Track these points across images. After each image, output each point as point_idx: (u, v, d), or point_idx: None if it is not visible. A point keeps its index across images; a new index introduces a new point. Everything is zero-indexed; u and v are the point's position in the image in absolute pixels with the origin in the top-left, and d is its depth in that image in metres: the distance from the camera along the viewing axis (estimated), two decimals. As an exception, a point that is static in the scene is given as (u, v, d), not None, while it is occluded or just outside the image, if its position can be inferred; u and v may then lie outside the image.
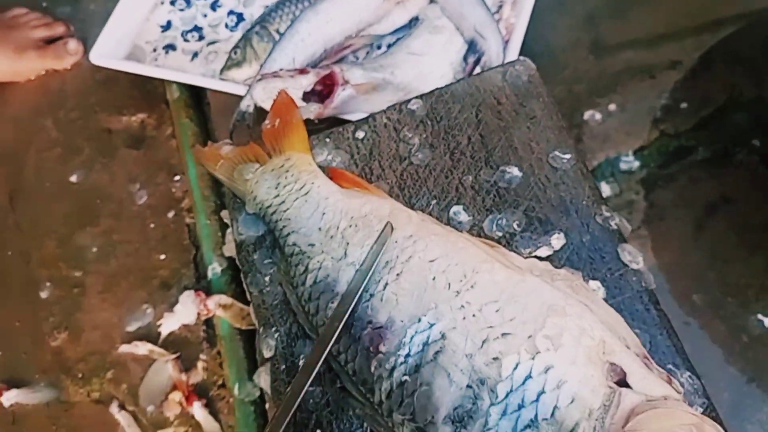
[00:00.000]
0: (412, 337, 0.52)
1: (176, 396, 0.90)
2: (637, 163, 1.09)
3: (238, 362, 0.90)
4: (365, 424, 0.56)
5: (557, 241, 0.60)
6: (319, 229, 0.60)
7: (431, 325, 0.52)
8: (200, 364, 0.92)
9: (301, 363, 0.60)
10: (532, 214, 0.62)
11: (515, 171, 0.64)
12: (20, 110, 1.16)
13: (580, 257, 0.60)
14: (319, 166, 0.66)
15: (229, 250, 0.93)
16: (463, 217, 0.63)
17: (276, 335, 0.61)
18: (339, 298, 0.57)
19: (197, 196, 1.00)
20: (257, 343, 0.89)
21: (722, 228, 1.03)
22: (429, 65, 0.93)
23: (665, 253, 1.02)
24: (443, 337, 0.51)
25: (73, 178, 1.07)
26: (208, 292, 0.94)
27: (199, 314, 0.94)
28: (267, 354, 0.61)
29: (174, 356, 0.93)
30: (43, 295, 1.00)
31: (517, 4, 0.97)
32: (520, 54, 0.91)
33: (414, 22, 1.01)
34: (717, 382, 0.88)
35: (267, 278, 0.64)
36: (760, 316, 0.96)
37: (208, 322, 0.95)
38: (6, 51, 1.12)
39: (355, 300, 0.53)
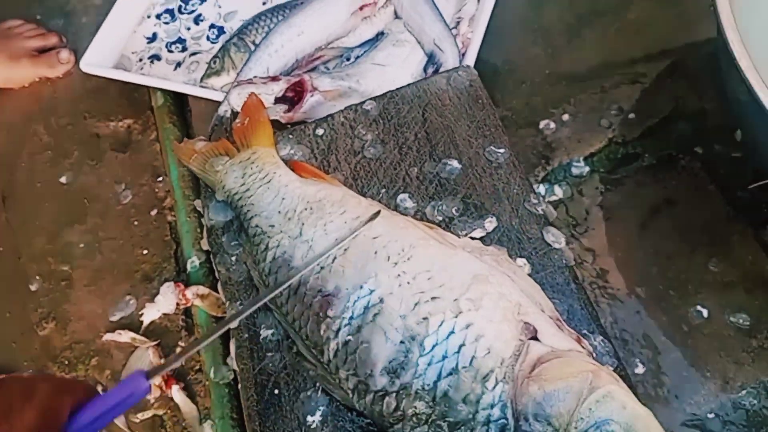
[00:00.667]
0: (355, 302, 0.59)
1: (156, 380, 0.96)
2: (587, 168, 1.17)
3: (214, 348, 0.96)
4: (317, 384, 0.63)
5: (490, 224, 0.68)
6: (279, 212, 0.68)
7: (371, 291, 0.59)
8: (179, 351, 0.98)
9: (262, 333, 0.67)
10: (469, 200, 0.70)
11: (455, 163, 0.72)
12: (13, 115, 1.24)
13: (509, 238, 0.67)
14: (283, 160, 0.74)
15: (207, 244, 1.01)
16: (409, 203, 0.71)
17: (240, 308, 0.68)
18: (294, 271, 0.64)
19: (178, 196, 1.08)
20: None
21: (665, 227, 1.11)
22: (392, 75, 1.02)
23: (612, 249, 1.10)
24: (381, 301, 0.58)
25: (63, 180, 1.15)
26: (187, 284, 1.01)
27: (178, 304, 1.00)
28: (233, 325, 0.68)
29: (154, 343, 0.99)
30: (33, 287, 1.07)
31: (474, 21, 1.06)
32: (483, 68, 0.99)
33: (379, 36, 1.10)
34: (659, 366, 0.95)
35: (233, 258, 0.71)
36: (699, 307, 1.03)
37: (187, 312, 1.02)
38: (1, 59, 1.20)
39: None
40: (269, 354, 0.66)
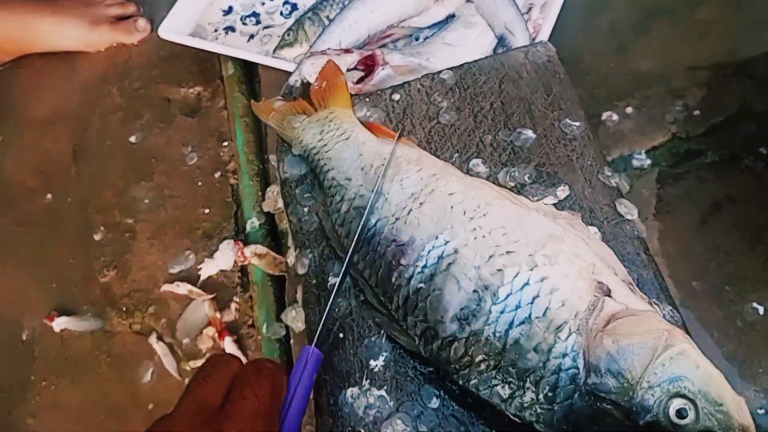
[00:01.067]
0: (429, 252, 0.61)
1: (210, 331, 0.99)
2: (648, 161, 1.17)
3: (267, 305, 0.99)
4: (382, 330, 0.64)
5: (562, 192, 0.69)
6: (355, 166, 0.69)
7: (446, 242, 0.60)
8: (233, 305, 1.01)
9: (330, 280, 0.69)
10: (542, 169, 0.71)
11: (530, 133, 0.73)
12: (89, 77, 1.29)
13: (581, 207, 0.68)
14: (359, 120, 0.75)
15: (267, 205, 1.04)
16: (481, 168, 0.72)
17: (310, 255, 0.70)
18: (368, 222, 0.66)
19: (242, 160, 1.11)
20: (287, 282, 0.98)
21: (725, 224, 1.10)
22: (462, 55, 1.03)
23: (670, 242, 1.09)
24: (456, 252, 0.60)
25: (132, 139, 1.19)
26: (246, 243, 1.04)
27: (235, 261, 1.03)
28: (301, 271, 0.70)
29: (210, 297, 1.02)
30: (97, 237, 1.11)
31: (546, 8, 1.07)
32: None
33: (450, 18, 1.11)
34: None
35: (306, 209, 0.73)
36: (755, 305, 1.02)
37: (243, 270, 1.05)
38: (82, 23, 1.26)
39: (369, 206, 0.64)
40: (336, 300, 0.67)
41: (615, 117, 1.23)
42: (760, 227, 1.10)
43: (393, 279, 0.62)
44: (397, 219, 0.64)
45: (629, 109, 1.22)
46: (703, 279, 1.09)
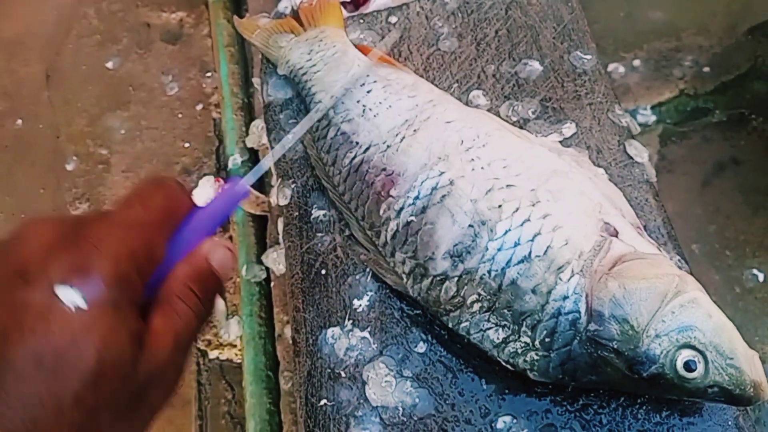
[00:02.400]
0: (422, 182, 0.55)
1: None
2: (653, 117, 1.12)
3: (248, 246, 0.94)
4: (367, 269, 0.60)
5: (568, 129, 0.63)
6: (346, 88, 0.63)
7: (441, 173, 0.55)
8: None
9: (312, 212, 0.63)
10: (548, 104, 0.65)
11: (536, 65, 0.67)
12: (65, -3, 1.20)
13: (588, 146, 0.63)
14: (352, 43, 0.69)
15: (251, 141, 0.97)
16: (482, 100, 0.66)
17: (293, 186, 0.65)
18: (357, 148, 0.60)
19: (226, 92, 1.04)
20: (269, 222, 0.93)
21: (728, 187, 1.06)
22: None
23: (671, 203, 1.05)
24: (451, 183, 0.54)
25: (109, 65, 1.11)
26: (227, 181, 0.98)
27: (215, 199, 0.98)
28: (282, 202, 0.65)
29: (187, 235, 0.97)
30: (69, 167, 1.05)
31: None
32: None
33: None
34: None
35: (290, 136, 0.67)
36: (755, 271, 0.99)
37: (223, 209, 0.99)
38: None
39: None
40: (319, 234, 0.62)
41: (621, 69, 1.17)
42: (764, 191, 1.07)
43: (381, 211, 0.57)
44: (388, 146, 0.59)
45: (636, 62, 1.17)
46: (703, 242, 1.05)
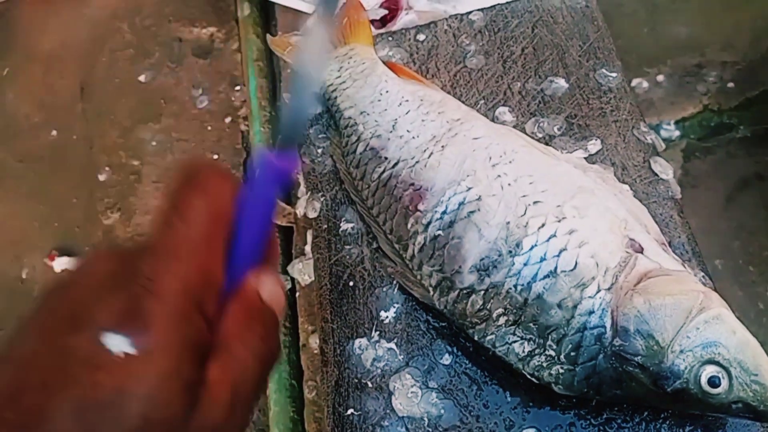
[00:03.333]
0: (450, 197, 0.57)
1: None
2: (677, 132, 1.12)
3: (273, 256, 0.96)
4: (394, 281, 0.61)
5: (593, 146, 0.64)
6: (374, 105, 0.65)
7: (468, 189, 0.56)
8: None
9: (341, 225, 0.65)
10: (573, 120, 0.66)
11: (562, 82, 0.68)
12: (99, 12, 1.24)
13: (613, 163, 0.64)
14: (381, 60, 0.71)
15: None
16: (508, 117, 0.67)
17: (322, 199, 0.67)
18: (385, 163, 0.62)
19: (254, 106, 1.06)
20: (295, 234, 0.94)
21: (752, 202, 1.05)
22: (490, 3, 0.98)
23: (694, 218, 1.05)
24: (479, 199, 0.56)
25: (142, 78, 1.15)
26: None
27: (242, 210, 1.00)
28: (311, 215, 0.67)
29: (215, 245, 0.99)
30: (102, 178, 1.07)
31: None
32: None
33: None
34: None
35: (320, 150, 0.69)
36: (778, 287, 0.98)
37: (250, 220, 1.01)
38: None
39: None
40: (347, 247, 0.64)
41: (645, 84, 1.18)
42: (788, 207, 1.06)
43: (409, 225, 0.59)
44: (416, 162, 0.60)
45: (660, 77, 1.17)
46: (726, 258, 1.05)
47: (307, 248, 0.73)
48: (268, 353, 0.35)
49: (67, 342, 0.31)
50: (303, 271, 0.83)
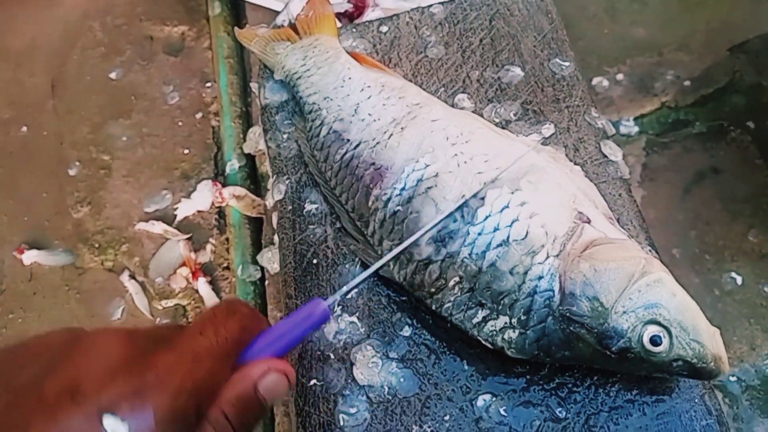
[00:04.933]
0: (408, 175, 0.59)
1: (184, 271, 0.97)
2: (636, 128, 1.16)
3: (244, 247, 0.97)
4: (357, 258, 0.63)
5: (547, 130, 0.67)
6: (337, 90, 0.67)
7: (426, 166, 0.59)
8: (209, 247, 0.99)
9: (305, 206, 0.67)
10: (528, 106, 0.69)
11: (518, 71, 0.71)
12: (71, 12, 1.25)
13: (566, 145, 0.67)
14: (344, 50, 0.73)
15: (248, 147, 1.01)
16: (467, 103, 0.70)
17: (287, 182, 0.69)
18: (348, 145, 0.64)
19: (225, 101, 1.08)
20: (264, 224, 0.96)
21: (708, 194, 1.10)
22: (454, 4, 1.01)
23: (652, 209, 1.09)
24: (436, 175, 0.58)
25: (113, 75, 1.16)
26: (224, 185, 1.02)
27: (213, 202, 1.01)
28: (277, 197, 0.68)
29: (186, 237, 1.00)
30: (72, 172, 1.08)
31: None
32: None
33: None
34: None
35: (285, 135, 0.71)
36: (733, 274, 1.02)
37: (221, 212, 1.02)
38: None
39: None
40: (311, 227, 0.66)
41: (605, 83, 1.22)
42: (742, 199, 1.10)
43: (370, 203, 0.61)
44: (377, 143, 0.62)
45: (620, 76, 1.22)
46: (683, 247, 1.09)
47: (276, 238, 0.75)
48: None
49: (64, 416, 0.31)
50: (272, 259, 0.84)
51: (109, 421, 0.31)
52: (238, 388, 0.36)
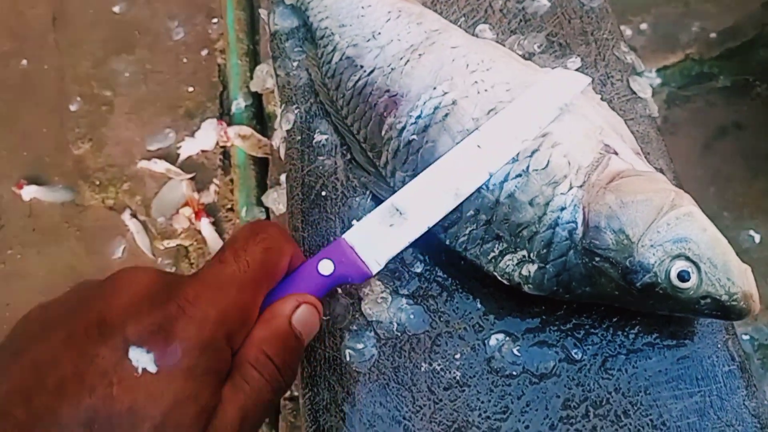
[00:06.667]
0: (425, 102, 0.56)
1: (186, 211, 0.95)
2: (658, 80, 1.12)
3: (248, 188, 0.95)
4: (368, 191, 0.60)
5: (573, 64, 0.64)
6: (352, 15, 0.64)
7: (444, 93, 0.55)
8: (212, 187, 0.96)
9: (315, 137, 0.64)
10: (554, 39, 0.66)
11: (544, 0, 0.67)
12: (73, -58, 1.20)
13: (593, 79, 0.63)
14: (359, -25, 0.69)
15: (255, 85, 0.98)
16: (488, 34, 0.66)
17: (296, 111, 0.65)
18: (361, 71, 0.60)
19: (232, 38, 1.04)
20: (270, 164, 0.93)
21: (729, 150, 1.06)
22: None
23: (671, 164, 1.05)
24: (454, 103, 0.55)
25: (116, 9, 1.11)
26: (230, 124, 0.98)
27: (218, 142, 0.98)
28: (285, 127, 0.65)
29: (189, 176, 0.98)
30: (73, 108, 1.05)
31: None
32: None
33: None
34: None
35: (295, 63, 0.68)
36: (751, 232, 0.99)
37: (225, 152, 1.00)
38: None
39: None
40: (320, 158, 0.63)
41: (629, 32, 1.17)
42: (764, 156, 1.07)
43: (383, 132, 0.58)
44: (392, 69, 0.59)
45: (644, 25, 1.17)
46: (702, 203, 1.05)
47: (282, 178, 0.72)
48: (282, 383, 0.35)
49: (91, 349, 0.30)
50: (278, 200, 0.82)
51: (135, 354, 0.30)
52: (273, 325, 0.36)
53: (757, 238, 0.95)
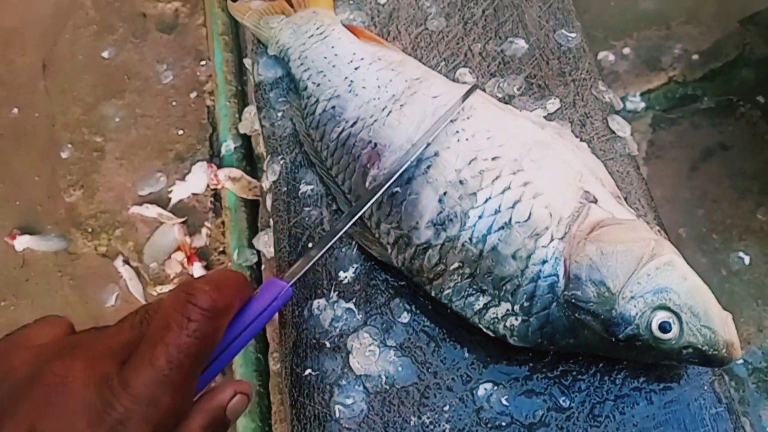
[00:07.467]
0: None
1: (179, 256, 0.95)
2: (642, 104, 1.13)
3: (240, 231, 0.95)
4: (353, 241, 0.61)
5: (552, 105, 0.65)
6: (333, 66, 0.64)
7: (427, 145, 0.56)
8: (204, 231, 0.97)
9: (300, 188, 0.64)
10: (533, 80, 0.66)
11: (522, 43, 0.68)
12: (62, -12, 1.22)
13: (572, 121, 0.64)
14: (341, 23, 0.70)
15: (244, 127, 0.98)
16: (468, 78, 0.67)
17: (282, 162, 0.66)
18: (344, 123, 0.61)
19: (220, 80, 1.05)
20: (261, 207, 0.94)
21: (716, 171, 1.07)
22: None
23: (659, 188, 1.06)
24: (436, 155, 0.55)
25: (105, 54, 1.13)
26: (220, 167, 0.99)
27: (208, 185, 0.99)
28: (271, 178, 0.66)
29: (181, 221, 0.98)
30: (64, 155, 1.06)
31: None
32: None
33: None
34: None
35: (279, 114, 0.69)
36: (741, 254, 1.00)
37: (216, 195, 1.00)
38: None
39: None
40: (306, 209, 0.63)
41: (612, 57, 1.18)
42: (751, 176, 1.08)
43: (367, 183, 0.58)
44: (375, 120, 0.60)
45: (626, 50, 1.18)
46: (690, 226, 1.07)
47: (268, 204, 0.72)
48: None
49: None
50: (268, 243, 0.82)
51: None
52: (210, 415, 0.37)
53: (747, 259, 0.96)
